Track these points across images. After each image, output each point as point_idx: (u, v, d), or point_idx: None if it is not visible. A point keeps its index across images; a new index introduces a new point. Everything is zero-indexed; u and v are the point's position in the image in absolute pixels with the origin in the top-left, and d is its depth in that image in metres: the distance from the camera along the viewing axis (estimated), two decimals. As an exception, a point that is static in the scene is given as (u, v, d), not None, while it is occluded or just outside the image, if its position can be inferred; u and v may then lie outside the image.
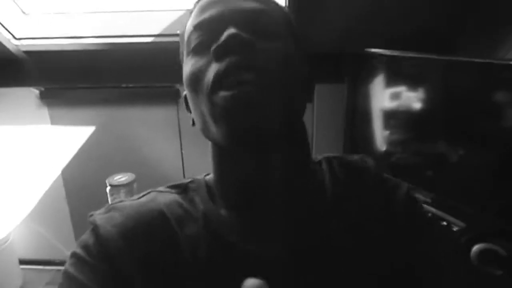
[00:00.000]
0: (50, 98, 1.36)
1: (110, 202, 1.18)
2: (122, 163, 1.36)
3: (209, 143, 0.44)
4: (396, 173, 0.54)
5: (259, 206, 0.42)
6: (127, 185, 1.18)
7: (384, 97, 1.08)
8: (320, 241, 0.41)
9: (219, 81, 0.37)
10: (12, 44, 1.22)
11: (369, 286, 0.41)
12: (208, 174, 0.48)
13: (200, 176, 0.48)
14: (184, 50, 0.44)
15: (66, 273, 0.38)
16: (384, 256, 0.42)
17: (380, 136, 1.12)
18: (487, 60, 0.85)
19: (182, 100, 1.33)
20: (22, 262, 1.43)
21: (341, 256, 0.41)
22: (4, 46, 1.20)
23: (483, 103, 0.86)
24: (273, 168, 0.41)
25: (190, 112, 0.45)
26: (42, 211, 1.47)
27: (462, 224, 0.88)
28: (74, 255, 0.40)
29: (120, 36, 1.23)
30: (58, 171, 1.43)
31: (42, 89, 1.34)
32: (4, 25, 1.20)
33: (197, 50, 0.40)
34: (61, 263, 1.49)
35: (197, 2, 0.44)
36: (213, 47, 0.37)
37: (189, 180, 0.47)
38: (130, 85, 1.34)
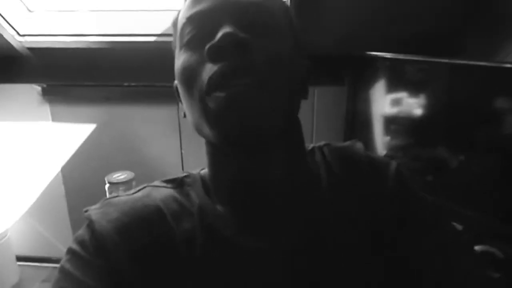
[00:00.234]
0: (52, 95, 1.36)
1: (108, 199, 1.19)
2: (121, 162, 1.36)
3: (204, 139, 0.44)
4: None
5: (254, 202, 0.42)
6: (126, 183, 1.18)
7: (385, 100, 1.08)
8: (317, 233, 0.41)
9: (214, 84, 0.36)
10: (16, 40, 1.23)
11: (369, 277, 0.41)
12: (203, 169, 0.48)
13: (195, 171, 0.48)
14: (176, 39, 0.43)
15: (62, 269, 0.38)
16: (382, 243, 0.42)
17: (380, 141, 1.12)
18: (490, 64, 0.84)
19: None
20: (19, 258, 1.43)
21: (338, 247, 0.41)
22: (8, 43, 1.21)
23: (484, 108, 0.86)
24: (269, 165, 0.41)
25: (181, 102, 0.44)
26: (41, 208, 1.47)
27: (459, 226, 0.88)
28: (70, 250, 0.39)
29: (123, 35, 1.24)
30: (58, 168, 1.43)
31: (44, 85, 1.35)
32: (9, 21, 1.21)
33: (190, 45, 0.39)
34: (58, 260, 1.46)
35: None
36: (207, 46, 0.36)
37: (185, 174, 0.47)
38: (132, 84, 1.34)
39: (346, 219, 0.42)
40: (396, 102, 1.06)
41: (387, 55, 1.03)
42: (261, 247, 0.39)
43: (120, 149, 1.40)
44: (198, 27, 0.39)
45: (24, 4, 1.27)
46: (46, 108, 1.38)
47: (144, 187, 0.46)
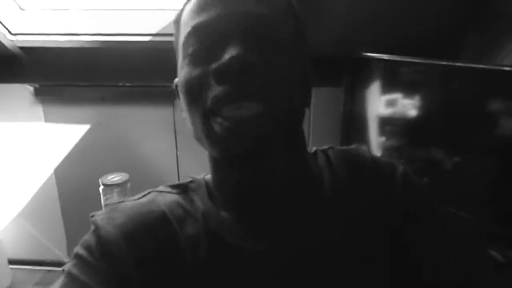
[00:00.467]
0: (44, 95, 1.34)
1: (103, 202, 1.17)
2: (116, 163, 1.35)
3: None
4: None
5: (257, 208, 0.42)
6: (120, 185, 1.16)
7: (381, 102, 1.08)
8: (321, 239, 0.41)
9: (218, 105, 0.36)
10: (7, 39, 1.21)
11: (374, 282, 0.40)
12: (208, 174, 0.48)
13: (199, 176, 0.48)
14: (179, 41, 0.42)
15: (69, 274, 0.39)
16: (388, 246, 0.42)
17: (376, 141, 1.12)
18: (485, 66, 0.85)
19: (177, 100, 1.32)
20: (11, 261, 1.41)
21: (343, 253, 0.41)
22: (-1, 41, 1.19)
23: (479, 110, 0.86)
24: (271, 173, 0.41)
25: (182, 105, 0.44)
26: (33, 210, 1.45)
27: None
28: (76, 255, 0.40)
29: (118, 34, 1.23)
30: (51, 169, 1.42)
31: (37, 85, 1.33)
32: (0, 20, 1.19)
33: (195, 57, 0.38)
34: (51, 263, 1.46)
35: None
36: (214, 67, 0.35)
37: (189, 180, 0.47)
38: (126, 84, 1.32)
39: (350, 224, 0.42)
40: (392, 103, 1.06)
41: (384, 56, 1.03)
42: (265, 252, 0.40)
43: (114, 151, 1.39)
44: (204, 39, 0.38)
45: (16, 3, 1.25)
46: (39, 109, 1.36)
47: (149, 192, 0.46)
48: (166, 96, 1.32)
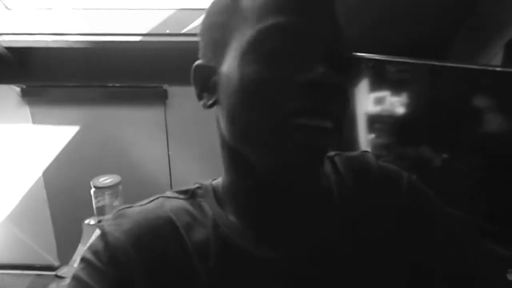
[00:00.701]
0: (31, 96, 1.32)
1: (94, 204, 1.15)
2: (107, 165, 1.33)
3: (219, 140, 0.43)
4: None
5: (271, 216, 0.42)
6: (112, 187, 1.14)
7: (369, 100, 1.09)
8: (331, 246, 0.41)
9: (297, 119, 0.35)
10: (-7, 39, 1.18)
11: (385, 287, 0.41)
12: (215, 179, 0.48)
13: (207, 181, 0.47)
14: (237, 27, 0.38)
15: (76, 278, 0.39)
16: (396, 253, 0.42)
17: (365, 139, 1.13)
18: (471, 66, 0.87)
19: (168, 100, 1.29)
20: (0, 267, 1.38)
21: (352, 258, 0.41)
22: (-16, 42, 1.16)
23: (466, 109, 0.88)
24: (297, 183, 0.42)
25: (199, 86, 0.42)
26: (22, 214, 1.42)
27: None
28: (84, 260, 0.40)
29: (107, 34, 1.21)
30: (39, 172, 1.39)
31: (24, 86, 1.30)
32: (-15, 19, 1.16)
33: (273, 59, 0.35)
34: (41, 268, 1.44)
35: None
36: (302, 77, 0.34)
37: (197, 185, 0.47)
38: (116, 85, 1.31)
39: (358, 230, 0.42)
40: (380, 102, 1.07)
41: (374, 56, 1.04)
42: (275, 258, 0.40)
43: (105, 152, 1.37)
44: (289, 44, 0.36)
45: (2, 2, 1.22)
46: (26, 110, 1.33)
47: (157, 198, 0.45)
48: (157, 97, 1.31)
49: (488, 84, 0.85)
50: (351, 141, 1.14)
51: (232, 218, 0.43)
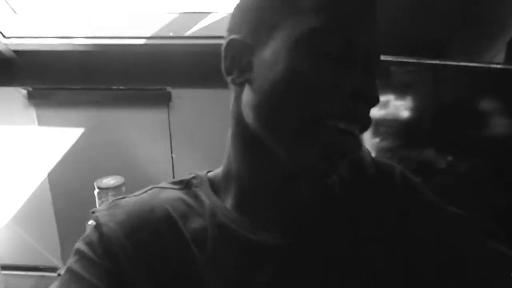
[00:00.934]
0: (38, 98, 1.33)
1: (98, 205, 1.16)
2: (111, 166, 1.34)
3: (233, 123, 0.42)
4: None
5: (278, 201, 0.43)
6: (115, 188, 1.15)
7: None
8: (330, 237, 0.42)
9: (336, 120, 0.36)
10: (1, 43, 1.20)
11: (382, 279, 0.41)
12: (210, 171, 0.48)
13: (201, 172, 0.47)
14: (290, 14, 0.37)
15: (70, 270, 0.38)
16: (391, 246, 0.42)
17: (369, 142, 1.13)
18: (476, 64, 0.86)
19: (171, 102, 1.28)
20: (4, 267, 1.38)
21: (348, 248, 0.41)
22: (-8, 45, 1.18)
23: (471, 109, 0.87)
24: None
25: (229, 61, 0.41)
26: (27, 215, 1.43)
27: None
28: (78, 251, 0.39)
29: (112, 37, 1.22)
30: (45, 173, 1.40)
31: (30, 89, 1.32)
32: (-7, 23, 1.18)
33: (326, 58, 0.36)
34: (45, 269, 1.45)
35: None
36: (348, 84, 0.35)
37: (192, 176, 0.47)
38: (121, 87, 1.32)
39: (354, 222, 0.43)
40: (384, 105, 1.07)
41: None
42: (273, 243, 0.40)
43: (109, 154, 1.38)
44: (343, 48, 0.36)
45: (10, 6, 1.24)
46: (32, 112, 1.35)
47: (151, 188, 0.45)
48: (161, 99, 1.32)
49: (492, 83, 0.84)
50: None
51: (229, 206, 0.43)
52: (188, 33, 1.23)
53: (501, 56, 0.96)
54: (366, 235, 0.42)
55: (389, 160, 0.50)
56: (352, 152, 0.37)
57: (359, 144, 0.38)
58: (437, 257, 0.42)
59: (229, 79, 0.41)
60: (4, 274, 1.38)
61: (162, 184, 0.46)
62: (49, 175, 1.40)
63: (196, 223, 0.41)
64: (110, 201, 0.44)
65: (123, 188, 1.18)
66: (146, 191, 0.45)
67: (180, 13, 1.25)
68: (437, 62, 0.91)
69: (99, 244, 0.39)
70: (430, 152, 0.98)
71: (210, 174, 0.47)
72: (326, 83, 0.35)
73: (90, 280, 0.37)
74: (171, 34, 1.23)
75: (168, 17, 1.25)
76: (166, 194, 0.43)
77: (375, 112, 1.07)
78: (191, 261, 0.39)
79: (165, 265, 0.39)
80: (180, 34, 1.23)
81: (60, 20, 1.27)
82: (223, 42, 0.42)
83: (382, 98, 1.09)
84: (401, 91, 1.01)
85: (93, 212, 0.42)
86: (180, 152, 1.36)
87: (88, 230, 0.42)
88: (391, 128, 1.06)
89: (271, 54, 0.37)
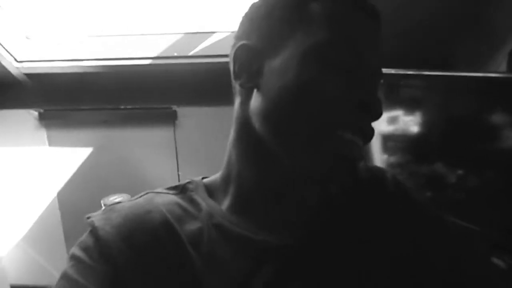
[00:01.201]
0: (48, 119, 1.37)
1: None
2: (118, 184, 1.35)
3: (238, 126, 0.43)
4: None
5: (279, 203, 0.43)
6: (121, 207, 1.16)
7: (382, 118, 1.07)
8: (327, 237, 0.42)
9: (347, 129, 0.37)
10: (13, 66, 1.25)
11: (377, 280, 0.40)
12: (205, 177, 0.48)
13: (196, 178, 0.48)
14: (300, 27, 0.38)
15: (66, 276, 0.38)
16: (384, 245, 0.42)
17: (379, 158, 1.11)
18: (484, 75, 0.84)
19: (177, 120, 1.29)
20: (14, 287, 1.40)
21: (344, 247, 0.41)
22: (5, 69, 1.23)
23: (481, 121, 0.86)
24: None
25: (239, 65, 0.42)
26: (36, 234, 1.45)
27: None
28: (73, 257, 0.39)
29: (118, 59, 1.26)
30: (54, 193, 1.42)
31: (41, 110, 1.36)
32: (7, 48, 1.23)
33: (338, 71, 0.37)
34: (54, 289, 1.45)
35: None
36: (356, 96, 0.37)
37: (186, 181, 0.47)
38: (128, 107, 1.35)
39: (351, 224, 0.43)
40: (393, 119, 1.05)
41: (389, 71, 1.03)
42: (271, 242, 0.40)
43: (116, 172, 1.39)
44: (356, 61, 0.38)
45: (22, 32, 1.29)
46: (43, 133, 1.38)
47: (146, 193, 0.45)
48: (167, 117, 1.33)
49: (502, 94, 0.82)
50: (365, 160, 1.12)
51: (226, 208, 0.43)
52: (192, 52, 1.25)
53: (503, 66, 0.94)
54: (362, 236, 0.42)
55: (381, 167, 0.50)
56: (356, 161, 0.38)
57: (362, 154, 0.38)
58: (429, 258, 0.42)
59: (237, 83, 0.42)
60: (14, 294, 1.39)
61: (157, 190, 0.46)
62: (58, 194, 1.42)
63: (192, 226, 0.41)
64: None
65: (129, 206, 1.18)
66: (141, 196, 0.45)
67: (185, 33, 1.29)
68: (445, 73, 0.90)
69: (95, 248, 0.38)
70: (439, 166, 0.96)
71: (205, 180, 0.47)
72: (334, 94, 0.36)
73: (86, 285, 0.36)
74: (175, 54, 1.25)
75: (173, 37, 1.28)
76: (162, 199, 0.43)
77: (384, 127, 1.06)
78: (188, 263, 0.38)
79: (162, 268, 0.38)
80: (184, 54, 1.26)
81: (69, 44, 1.31)
82: (230, 52, 0.43)
83: (391, 113, 1.08)
84: (409, 105, 1.00)
85: (88, 218, 0.42)
86: (186, 170, 1.37)
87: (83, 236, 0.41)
88: (400, 143, 1.05)
89: (281, 63, 0.38)
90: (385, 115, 1.05)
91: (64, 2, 1.32)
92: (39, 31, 1.32)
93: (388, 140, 1.07)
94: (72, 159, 1.40)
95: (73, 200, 1.42)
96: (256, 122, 0.40)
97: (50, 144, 1.40)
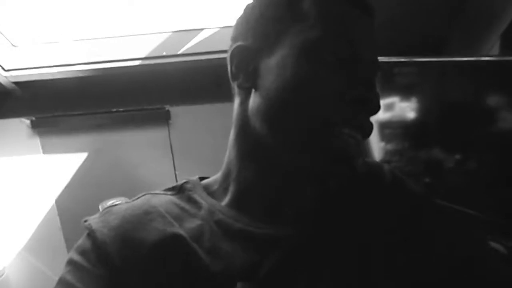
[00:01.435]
0: (41, 127, 1.36)
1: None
2: (115, 188, 1.35)
3: (237, 126, 0.43)
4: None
5: (279, 200, 0.43)
6: (120, 210, 1.16)
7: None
8: (327, 231, 0.42)
9: (342, 126, 0.37)
10: (1, 76, 1.23)
11: (374, 273, 0.40)
12: (203, 178, 0.49)
13: (193, 178, 0.48)
14: (302, 23, 0.38)
15: (63, 281, 0.38)
16: (382, 237, 0.42)
17: (377, 146, 1.11)
18: (479, 58, 0.84)
19: (171, 120, 1.28)
20: (18, 297, 1.40)
21: (344, 240, 0.41)
22: (-7, 79, 1.21)
23: (477, 105, 0.85)
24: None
25: (235, 65, 0.42)
26: (37, 242, 1.45)
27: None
28: (70, 261, 0.39)
29: (107, 61, 1.24)
30: (52, 200, 1.42)
31: (33, 118, 1.34)
32: (-7, 58, 1.22)
33: (334, 67, 0.37)
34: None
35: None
36: (352, 93, 0.37)
37: (184, 181, 0.47)
38: (120, 109, 1.34)
39: (350, 219, 0.43)
40: (389, 107, 1.05)
41: (383, 59, 1.02)
42: (272, 234, 0.40)
43: (113, 176, 1.39)
44: (351, 57, 0.38)
45: (8, 40, 1.28)
46: (36, 141, 1.37)
47: (144, 195, 0.46)
48: (160, 118, 1.33)
49: (497, 76, 0.82)
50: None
51: (226, 205, 0.43)
52: (181, 51, 1.24)
53: (495, 49, 0.94)
54: (361, 227, 0.42)
55: (378, 162, 0.51)
56: (355, 157, 0.38)
57: (361, 149, 0.39)
58: (430, 249, 0.42)
59: (235, 83, 0.42)
60: (18, 304, 1.39)
61: (154, 191, 0.46)
62: (56, 201, 1.42)
63: (192, 223, 0.41)
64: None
65: (128, 210, 1.18)
66: (138, 198, 0.45)
67: (173, 31, 1.27)
68: (440, 59, 0.90)
69: (92, 251, 0.38)
70: (437, 152, 0.96)
71: (204, 180, 0.48)
72: (331, 90, 0.37)
73: None
74: (164, 53, 1.24)
75: (161, 36, 1.26)
76: (159, 199, 0.44)
77: (381, 115, 1.06)
78: (193, 257, 0.38)
79: (164, 265, 0.38)
80: (174, 53, 1.25)
81: (57, 49, 1.29)
82: (222, 54, 0.45)
83: (387, 100, 1.08)
84: (405, 92, 1.00)
85: (85, 221, 0.42)
86: (183, 169, 1.36)
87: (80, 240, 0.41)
88: (397, 130, 1.05)
89: (277, 61, 0.38)
90: (382, 103, 1.05)
91: (48, 7, 1.29)
92: (25, 38, 1.30)
93: (385, 127, 1.07)
94: (68, 165, 1.39)
95: (72, 206, 1.41)
96: (255, 122, 0.40)
97: (44, 152, 1.39)
